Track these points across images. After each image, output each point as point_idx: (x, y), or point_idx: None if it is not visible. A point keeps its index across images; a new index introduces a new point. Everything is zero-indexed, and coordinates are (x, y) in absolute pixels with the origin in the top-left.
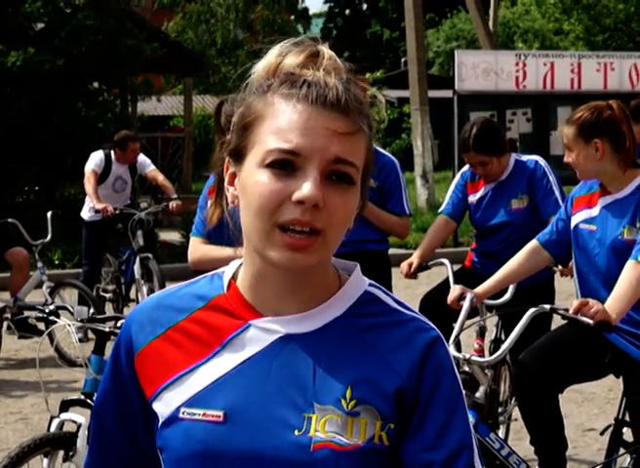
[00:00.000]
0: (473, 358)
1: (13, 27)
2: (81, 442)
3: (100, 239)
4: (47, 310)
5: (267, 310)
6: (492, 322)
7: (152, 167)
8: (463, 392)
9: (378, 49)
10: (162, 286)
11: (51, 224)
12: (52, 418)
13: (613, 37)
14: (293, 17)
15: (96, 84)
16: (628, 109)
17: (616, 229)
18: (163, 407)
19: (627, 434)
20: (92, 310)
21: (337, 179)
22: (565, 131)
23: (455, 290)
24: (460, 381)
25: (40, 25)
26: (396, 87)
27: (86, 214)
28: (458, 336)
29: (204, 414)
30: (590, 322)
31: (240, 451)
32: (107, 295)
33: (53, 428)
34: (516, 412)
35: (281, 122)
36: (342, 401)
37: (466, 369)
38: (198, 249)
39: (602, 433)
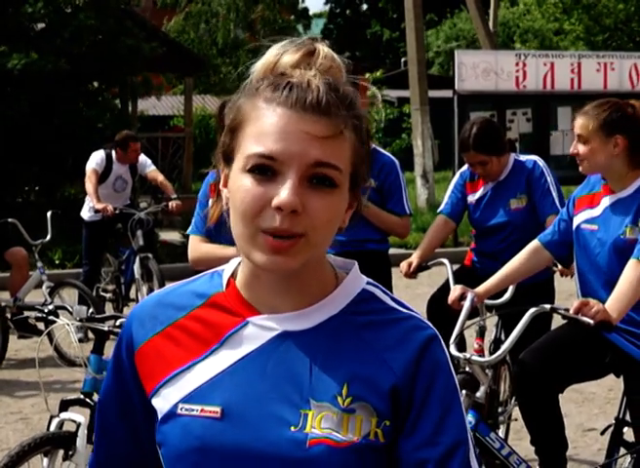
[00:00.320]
0: (474, 358)
1: (13, 28)
2: (81, 441)
3: (99, 239)
4: (46, 310)
5: (264, 307)
6: (492, 322)
7: (153, 167)
8: (459, 390)
9: (378, 49)
10: (162, 285)
11: (50, 224)
12: (51, 418)
13: (613, 37)
14: (293, 17)
15: (96, 84)
16: None
17: (618, 228)
18: (162, 403)
19: (628, 434)
20: (91, 310)
21: (317, 183)
22: (582, 121)
23: (455, 289)
24: (457, 379)
25: (41, 25)
26: (396, 87)
27: (86, 213)
28: (458, 336)
29: (202, 410)
30: (591, 322)
31: (236, 447)
32: (107, 295)
33: (52, 427)
34: (516, 412)
35: (261, 126)
36: (338, 398)
37: (467, 368)
38: (199, 247)
39: (602, 433)
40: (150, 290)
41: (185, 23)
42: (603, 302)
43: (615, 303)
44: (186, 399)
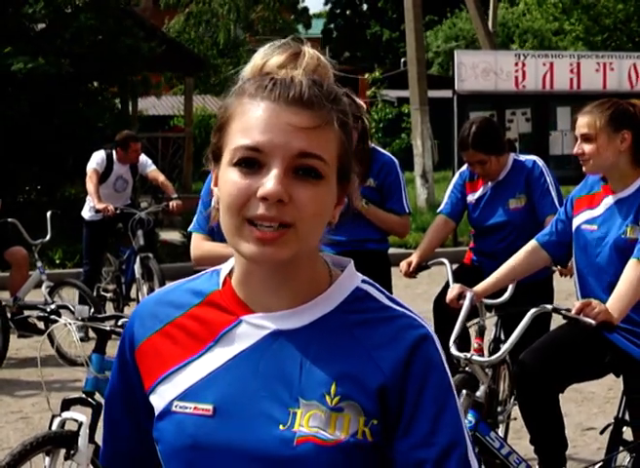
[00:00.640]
0: (474, 358)
1: (14, 28)
2: (82, 440)
3: (100, 238)
4: (48, 309)
5: (258, 306)
6: (491, 321)
7: (153, 167)
8: (454, 388)
9: (377, 49)
10: (162, 285)
11: (50, 224)
12: (53, 417)
13: (612, 37)
14: (293, 16)
15: (96, 83)
16: None
17: (619, 228)
18: (158, 400)
19: (627, 433)
20: (93, 309)
21: (303, 174)
22: (588, 119)
23: (453, 289)
24: (451, 378)
25: (41, 26)
26: (396, 87)
27: (86, 213)
28: (458, 336)
29: (195, 408)
30: (593, 322)
31: (227, 445)
32: (108, 295)
33: (54, 427)
34: (516, 411)
35: (246, 120)
36: (327, 396)
37: (466, 368)
38: (201, 245)
39: (602, 432)
40: (151, 289)
41: (186, 24)
42: (603, 303)
43: (615, 303)
44: (181, 396)
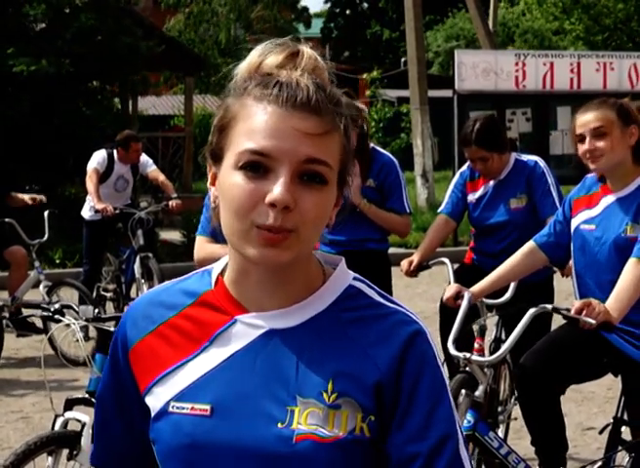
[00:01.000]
0: (473, 358)
1: (14, 28)
2: (85, 440)
3: (100, 238)
4: (52, 309)
5: (252, 305)
6: (492, 321)
7: (154, 167)
8: (447, 383)
9: (377, 49)
10: None
11: (47, 224)
12: (56, 417)
13: (612, 37)
14: (293, 16)
15: (95, 83)
16: None
17: (618, 227)
18: (154, 401)
19: (626, 433)
20: (97, 310)
21: (308, 180)
22: (599, 114)
23: (451, 288)
24: (444, 372)
25: (41, 26)
26: (396, 87)
27: (86, 213)
28: (456, 336)
29: (192, 409)
30: (593, 322)
31: (226, 444)
32: (108, 295)
33: (57, 427)
34: (516, 411)
35: (252, 124)
36: (324, 394)
37: (466, 368)
38: (203, 247)
39: (601, 432)
40: (150, 289)
41: (187, 23)
42: (601, 302)
43: (615, 303)
44: (177, 397)
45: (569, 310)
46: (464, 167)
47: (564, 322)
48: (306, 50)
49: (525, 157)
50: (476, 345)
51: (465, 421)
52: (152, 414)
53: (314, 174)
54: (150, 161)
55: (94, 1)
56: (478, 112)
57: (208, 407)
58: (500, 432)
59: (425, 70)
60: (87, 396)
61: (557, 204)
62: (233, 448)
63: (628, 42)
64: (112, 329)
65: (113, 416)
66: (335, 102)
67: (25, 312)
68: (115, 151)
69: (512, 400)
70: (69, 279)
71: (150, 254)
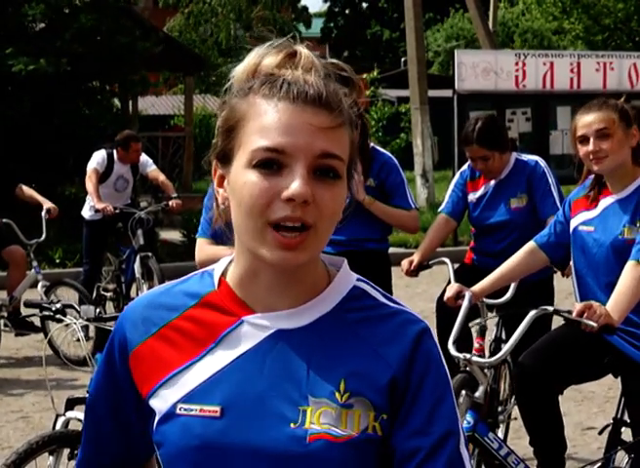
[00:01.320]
0: (474, 358)
1: (13, 28)
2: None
3: (100, 238)
4: (53, 308)
5: (259, 306)
6: (492, 321)
7: (154, 167)
8: (451, 381)
9: (377, 49)
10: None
11: (45, 224)
12: (57, 416)
13: (612, 37)
14: (293, 16)
15: (95, 83)
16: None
17: (616, 229)
18: (160, 403)
19: (625, 433)
20: (98, 309)
21: (321, 174)
22: (602, 115)
23: (452, 288)
24: (448, 371)
25: (40, 26)
26: (396, 86)
27: (87, 212)
28: (457, 336)
29: (201, 410)
30: (594, 325)
31: (237, 445)
32: (108, 294)
33: (58, 426)
34: (516, 411)
35: (264, 122)
36: (336, 393)
37: (466, 368)
38: (204, 249)
39: (600, 432)
40: (151, 289)
41: (187, 23)
42: (601, 303)
43: (615, 305)
44: (185, 399)
45: (570, 312)
46: (465, 166)
47: (564, 322)
48: (303, 50)
49: (525, 157)
50: (476, 345)
51: (465, 422)
52: (157, 417)
53: (328, 168)
54: (150, 161)
55: (93, 1)
56: (478, 112)
57: (218, 408)
58: (500, 432)
59: (425, 70)
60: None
61: (558, 204)
62: (245, 449)
63: (628, 42)
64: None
65: (105, 418)
66: (339, 98)
67: (26, 312)
68: (115, 151)
69: (512, 400)
70: (67, 279)
71: (150, 254)
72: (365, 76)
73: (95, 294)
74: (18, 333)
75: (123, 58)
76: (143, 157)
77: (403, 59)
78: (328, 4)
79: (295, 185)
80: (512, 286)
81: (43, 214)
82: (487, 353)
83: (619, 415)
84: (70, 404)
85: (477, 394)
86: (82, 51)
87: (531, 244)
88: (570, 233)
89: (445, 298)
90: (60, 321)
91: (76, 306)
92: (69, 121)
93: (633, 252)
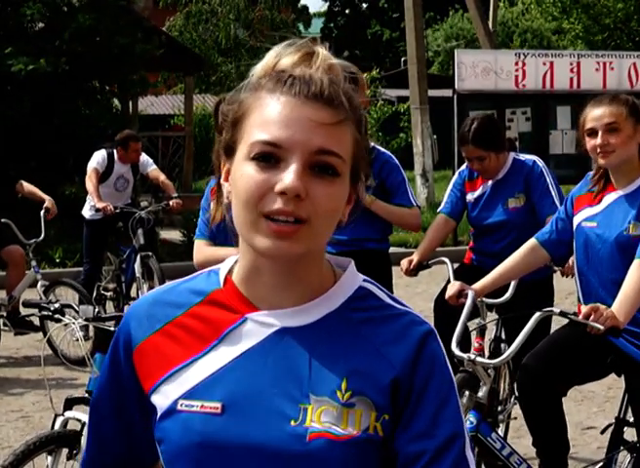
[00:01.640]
0: (478, 359)
1: (13, 28)
2: (85, 440)
3: (100, 237)
4: (52, 308)
5: (263, 304)
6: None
7: (154, 166)
8: (455, 383)
9: (378, 48)
10: (162, 284)
11: (44, 223)
12: (56, 416)
13: (612, 37)
14: (293, 15)
15: (95, 83)
16: None
17: (621, 225)
18: (162, 399)
19: (627, 433)
20: (97, 309)
21: (320, 171)
22: (612, 109)
23: (453, 286)
24: (452, 373)
25: (40, 25)
26: (396, 86)
27: (87, 212)
28: (460, 335)
29: (202, 407)
30: (601, 327)
31: (237, 442)
32: (108, 294)
33: (57, 426)
34: (516, 411)
35: (265, 115)
36: (338, 392)
37: (469, 368)
38: (203, 250)
39: (602, 432)
40: (151, 288)
41: (186, 23)
42: (603, 302)
43: (621, 307)
44: (186, 395)
45: (576, 314)
46: (463, 166)
47: (565, 321)
48: (322, 50)
49: (523, 157)
50: (476, 344)
51: (468, 422)
52: (159, 414)
53: (326, 165)
54: (150, 160)
55: (92, 1)
56: (478, 112)
57: (219, 404)
58: (500, 431)
59: (425, 70)
60: (87, 395)
61: (557, 203)
62: (245, 446)
63: (628, 42)
64: (112, 328)
65: (110, 417)
66: (347, 97)
67: (25, 311)
68: (115, 151)
69: (512, 399)
70: (66, 278)
71: (151, 254)
72: (365, 75)
73: (95, 294)
74: (17, 333)
75: (122, 57)
76: (144, 157)
77: (403, 59)
78: (328, 4)
79: (288, 179)
80: (512, 285)
81: (42, 213)
82: (486, 353)
83: (621, 415)
84: (69, 404)
85: (480, 394)
86: (81, 50)
87: (532, 241)
88: (572, 230)
89: (447, 297)
90: (58, 321)
91: (75, 306)
92: (69, 121)
93: (639, 250)
